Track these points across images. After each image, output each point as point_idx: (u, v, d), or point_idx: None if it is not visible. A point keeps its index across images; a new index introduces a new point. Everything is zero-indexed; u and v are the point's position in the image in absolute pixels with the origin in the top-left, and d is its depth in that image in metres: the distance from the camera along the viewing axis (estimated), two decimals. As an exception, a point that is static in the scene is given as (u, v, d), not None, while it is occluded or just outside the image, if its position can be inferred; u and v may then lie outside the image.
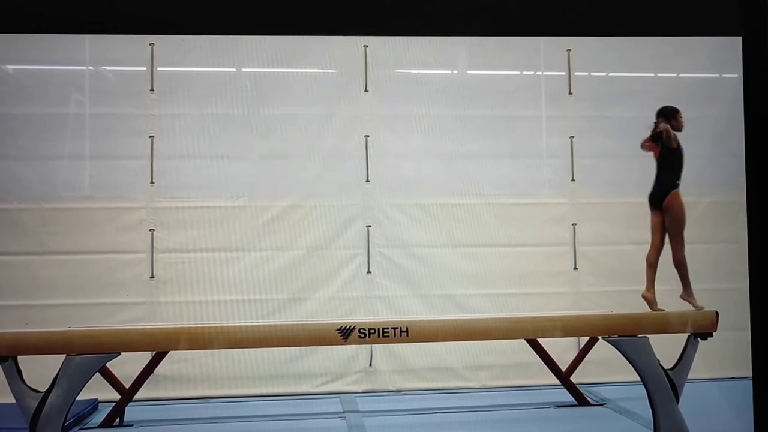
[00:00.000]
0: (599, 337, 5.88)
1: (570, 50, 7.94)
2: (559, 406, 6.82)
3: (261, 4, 4.15)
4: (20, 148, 7.27)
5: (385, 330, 5.07)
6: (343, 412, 6.74)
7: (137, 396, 6.39)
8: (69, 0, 4.01)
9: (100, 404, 6.77)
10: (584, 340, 7.03)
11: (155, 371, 6.50)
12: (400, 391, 7.56)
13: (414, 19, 4.36)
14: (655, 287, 5.77)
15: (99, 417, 6.42)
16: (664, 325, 5.37)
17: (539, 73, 8.01)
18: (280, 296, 7.47)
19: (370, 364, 7.59)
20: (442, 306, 7.57)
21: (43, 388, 4.76)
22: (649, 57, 8.04)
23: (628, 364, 5.25)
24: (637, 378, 5.24)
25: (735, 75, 7.78)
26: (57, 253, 7.23)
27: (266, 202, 7.51)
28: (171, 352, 6.31)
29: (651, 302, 5.58)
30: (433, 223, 7.71)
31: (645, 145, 5.71)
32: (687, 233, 7.91)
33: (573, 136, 7.79)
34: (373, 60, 7.71)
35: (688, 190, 7.84)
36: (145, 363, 6.29)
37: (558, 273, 7.71)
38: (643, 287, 5.61)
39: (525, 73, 8.05)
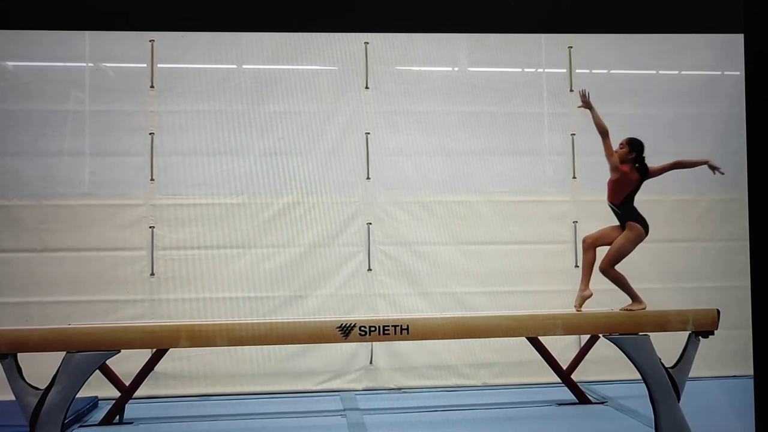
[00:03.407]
0: (600, 335, 5.86)
1: (571, 47, 7.93)
2: (560, 404, 6.81)
3: (261, 0, 4.14)
4: (20, 144, 7.27)
5: (386, 328, 5.06)
6: (344, 410, 6.74)
7: (137, 393, 6.39)
8: (68, -4, 4.00)
9: (100, 401, 6.78)
10: (585, 338, 7.03)
11: (155, 368, 6.50)
12: (400, 389, 7.56)
13: (415, 16, 4.35)
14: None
15: (99, 414, 6.42)
16: (665, 323, 5.36)
17: (540, 70, 7.99)
18: (281, 293, 7.47)
19: (371, 362, 7.58)
20: (442, 303, 7.56)
21: (43, 386, 4.76)
22: (651, 54, 8.02)
23: (629, 362, 5.24)
24: (638, 376, 5.22)
25: (737, 72, 7.76)
26: (57, 250, 7.23)
27: (266, 199, 7.50)
28: (171, 350, 6.30)
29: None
30: (433, 220, 7.70)
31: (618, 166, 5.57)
32: (688, 231, 7.96)
33: (574, 134, 7.78)
34: (374, 57, 7.70)
35: (689, 188, 7.89)
36: (145, 360, 6.28)
37: (559, 271, 7.69)
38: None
39: (526, 70, 8.03)
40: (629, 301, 5.52)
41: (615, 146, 5.56)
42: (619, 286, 5.52)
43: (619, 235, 5.51)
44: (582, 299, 5.60)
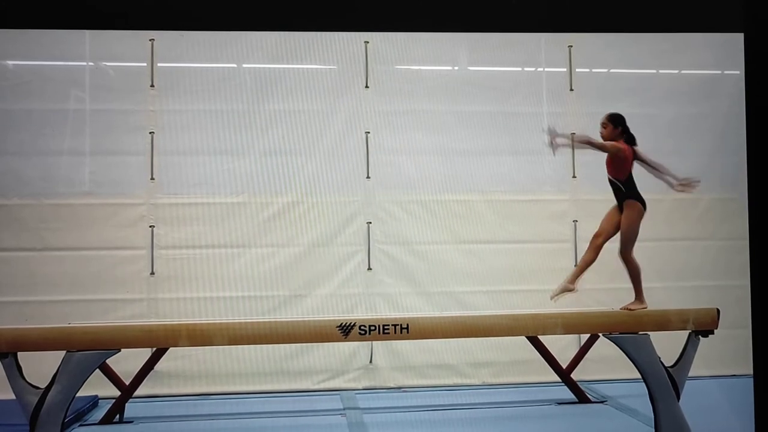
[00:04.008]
0: (600, 334, 5.86)
1: (571, 47, 7.93)
2: (559, 403, 6.81)
3: (262, 0, 4.14)
4: (20, 143, 7.27)
5: (386, 327, 5.05)
6: (344, 409, 6.74)
7: (137, 392, 6.39)
8: (69, -5, 4.00)
9: (100, 401, 6.78)
10: (585, 337, 7.03)
11: (155, 368, 6.50)
12: (400, 388, 7.56)
13: (415, 15, 4.35)
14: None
15: (99, 413, 6.42)
16: (665, 322, 5.35)
17: (540, 69, 7.99)
18: (281, 293, 7.47)
19: (371, 361, 7.58)
20: (442, 303, 7.56)
21: (43, 385, 4.75)
22: (651, 53, 8.03)
23: (629, 361, 5.24)
24: (638, 375, 5.22)
25: (737, 72, 7.76)
26: (57, 249, 7.23)
27: (267, 198, 7.50)
28: (171, 349, 6.29)
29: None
30: (433, 219, 7.70)
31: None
32: (688, 230, 7.96)
33: (574, 133, 7.74)
34: (374, 56, 7.70)
35: (690, 186, 7.88)
36: (145, 359, 6.28)
37: (559, 270, 7.65)
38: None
39: (526, 69, 8.03)
40: (633, 301, 5.48)
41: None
42: (632, 276, 5.46)
43: (619, 219, 5.48)
44: (562, 290, 5.51)
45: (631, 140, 5.53)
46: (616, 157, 5.46)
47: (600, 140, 5.48)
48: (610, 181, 5.55)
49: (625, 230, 5.46)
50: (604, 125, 5.56)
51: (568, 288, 5.53)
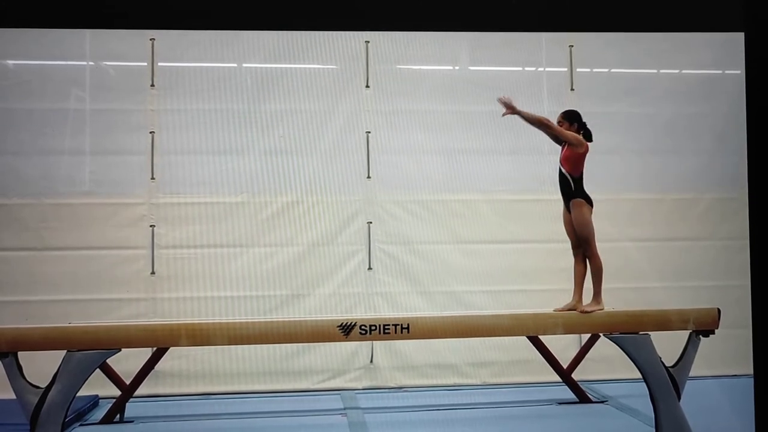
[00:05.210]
0: (601, 334, 5.86)
1: (572, 46, 7.93)
2: (560, 403, 6.81)
3: (262, -1, 4.14)
4: (21, 143, 7.27)
5: (386, 326, 5.05)
6: (344, 409, 6.74)
7: (138, 392, 6.39)
8: (69, -5, 4.00)
9: (100, 400, 6.78)
10: (585, 337, 7.03)
11: (156, 367, 6.50)
12: (401, 388, 7.56)
13: (415, 15, 4.35)
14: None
15: (99, 413, 6.42)
16: (666, 322, 5.35)
17: (541, 69, 7.99)
18: (281, 293, 7.47)
19: (371, 361, 7.58)
20: (443, 303, 7.56)
21: (44, 384, 4.76)
22: (652, 53, 8.02)
23: (630, 361, 5.24)
24: (639, 375, 5.22)
25: (737, 71, 7.76)
26: (57, 249, 7.23)
27: (267, 198, 7.50)
28: (171, 349, 6.30)
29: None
30: (434, 219, 7.70)
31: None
32: (688, 230, 7.94)
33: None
34: (375, 55, 7.70)
35: (690, 186, 7.88)
36: (146, 359, 6.28)
37: (560, 270, 7.65)
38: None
39: (527, 69, 8.02)
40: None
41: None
42: (593, 274, 5.43)
43: (570, 220, 5.47)
44: (570, 308, 5.47)
45: (588, 136, 5.51)
46: (575, 152, 5.43)
47: (558, 126, 5.42)
48: (561, 176, 5.52)
49: (580, 230, 5.44)
50: (560, 123, 5.53)
51: (576, 308, 5.45)
